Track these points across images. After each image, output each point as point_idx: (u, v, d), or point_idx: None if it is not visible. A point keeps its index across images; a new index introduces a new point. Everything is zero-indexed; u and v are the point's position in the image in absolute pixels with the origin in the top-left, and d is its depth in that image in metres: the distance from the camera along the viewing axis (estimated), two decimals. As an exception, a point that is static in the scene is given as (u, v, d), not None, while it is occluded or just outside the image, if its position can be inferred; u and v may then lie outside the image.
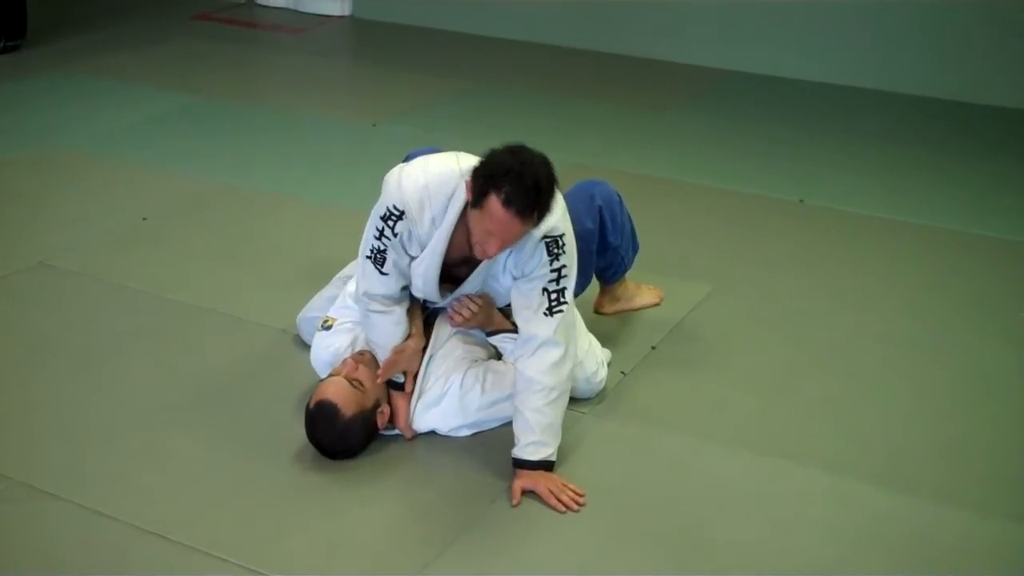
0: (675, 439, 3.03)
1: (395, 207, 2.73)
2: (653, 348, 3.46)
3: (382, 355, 2.94)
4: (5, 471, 2.81)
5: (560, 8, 6.77)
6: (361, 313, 2.97)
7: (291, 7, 7.54)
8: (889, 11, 6.02)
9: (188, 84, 5.97)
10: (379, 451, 2.92)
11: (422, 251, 2.78)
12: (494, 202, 2.54)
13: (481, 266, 2.81)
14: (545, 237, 2.73)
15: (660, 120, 5.61)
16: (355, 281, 3.00)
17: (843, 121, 5.66)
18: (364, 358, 2.94)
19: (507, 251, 2.75)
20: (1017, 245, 4.27)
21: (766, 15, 6.30)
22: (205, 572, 2.50)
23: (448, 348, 3.00)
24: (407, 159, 2.98)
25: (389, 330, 2.93)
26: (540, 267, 2.76)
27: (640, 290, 3.56)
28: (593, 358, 3.10)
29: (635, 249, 3.42)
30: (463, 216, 2.71)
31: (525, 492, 2.75)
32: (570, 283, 2.81)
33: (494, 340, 3.01)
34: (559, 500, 2.72)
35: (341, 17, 7.42)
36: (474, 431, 2.98)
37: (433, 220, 2.73)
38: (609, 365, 3.21)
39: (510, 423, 2.85)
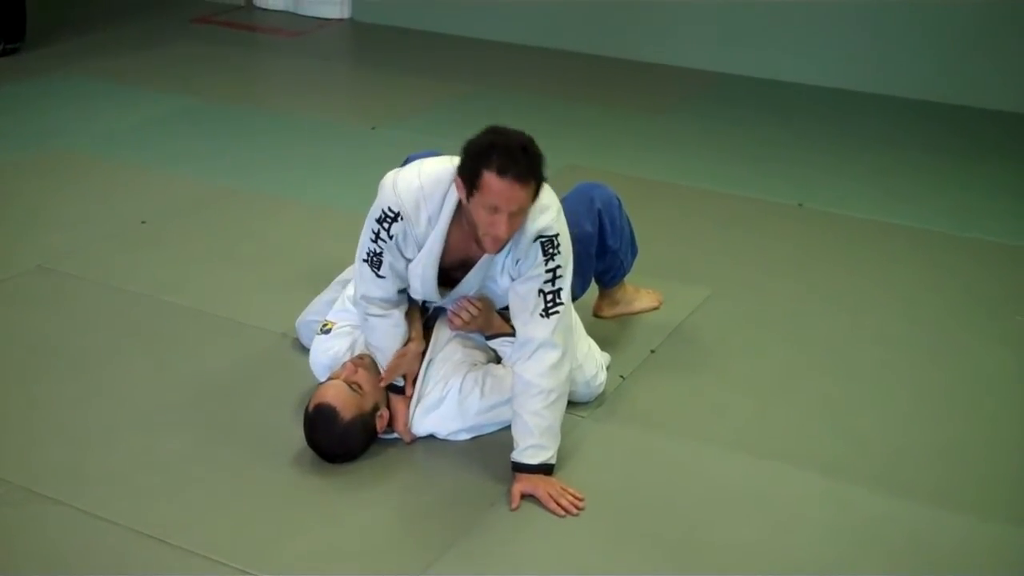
0: (674, 442, 3.04)
1: (390, 209, 2.74)
2: (652, 352, 3.47)
3: (381, 359, 2.95)
4: (4, 474, 2.81)
5: (558, 12, 6.77)
6: (360, 317, 2.97)
7: (290, 10, 7.55)
8: (886, 14, 6.03)
9: (188, 87, 5.97)
10: (378, 455, 2.92)
11: (419, 252, 2.79)
12: (489, 177, 2.56)
13: (479, 265, 2.81)
14: (540, 237, 2.74)
15: (658, 123, 5.62)
16: (353, 285, 3.01)
17: (840, 124, 5.67)
18: (363, 362, 2.94)
19: (506, 250, 2.76)
20: (1014, 248, 4.28)
21: (763, 18, 6.31)
22: (204, 575, 2.50)
23: (447, 352, 3.00)
24: (405, 162, 2.99)
25: (388, 333, 2.93)
26: (535, 267, 2.76)
27: (639, 294, 3.56)
28: (592, 362, 3.11)
29: (634, 253, 3.42)
30: (458, 216, 2.72)
31: (524, 496, 2.75)
32: (566, 283, 2.81)
33: (493, 344, 3.02)
34: (558, 504, 2.72)
35: (340, 20, 7.42)
36: (473, 435, 2.98)
37: (429, 220, 2.74)
38: (608, 369, 3.21)
39: (509, 427, 2.85)
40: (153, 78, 6.10)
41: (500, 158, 2.55)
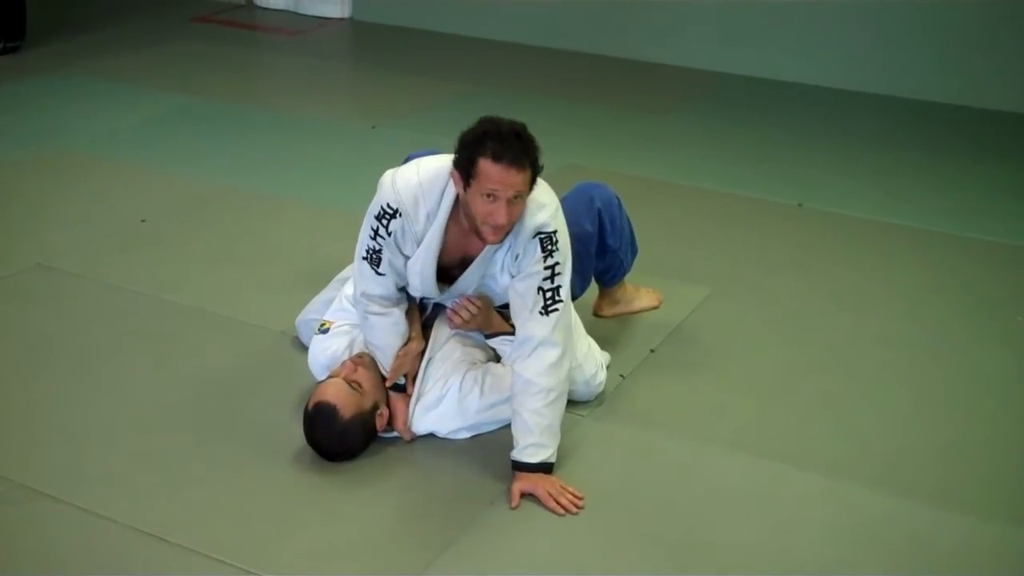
0: (674, 442, 3.04)
1: (389, 206, 2.75)
2: (652, 351, 3.47)
3: (381, 357, 2.95)
4: (5, 473, 2.81)
5: (559, 11, 6.78)
6: (360, 315, 2.97)
7: (291, 9, 7.55)
8: (887, 14, 6.03)
9: (188, 86, 5.97)
10: (378, 453, 2.92)
11: (418, 248, 2.79)
12: (484, 163, 2.58)
13: (478, 260, 2.81)
14: (539, 233, 2.74)
15: (658, 123, 5.62)
16: (352, 283, 3.01)
17: (841, 124, 5.67)
18: (363, 360, 2.94)
19: (505, 247, 2.76)
20: (1015, 249, 4.28)
21: (764, 18, 6.31)
22: (204, 574, 2.50)
23: (447, 350, 3.00)
24: (406, 161, 2.99)
25: (388, 332, 2.93)
26: (534, 263, 2.76)
27: (639, 293, 3.56)
28: (592, 361, 3.11)
29: (634, 252, 3.42)
30: (456, 213, 2.73)
31: (524, 494, 2.75)
32: (565, 281, 2.81)
33: (493, 342, 3.02)
34: (558, 502, 2.72)
35: (341, 19, 7.42)
36: (473, 433, 2.98)
37: (428, 216, 2.75)
38: (608, 368, 3.21)
39: (509, 426, 2.85)
40: (153, 77, 6.10)
41: (494, 144, 2.57)
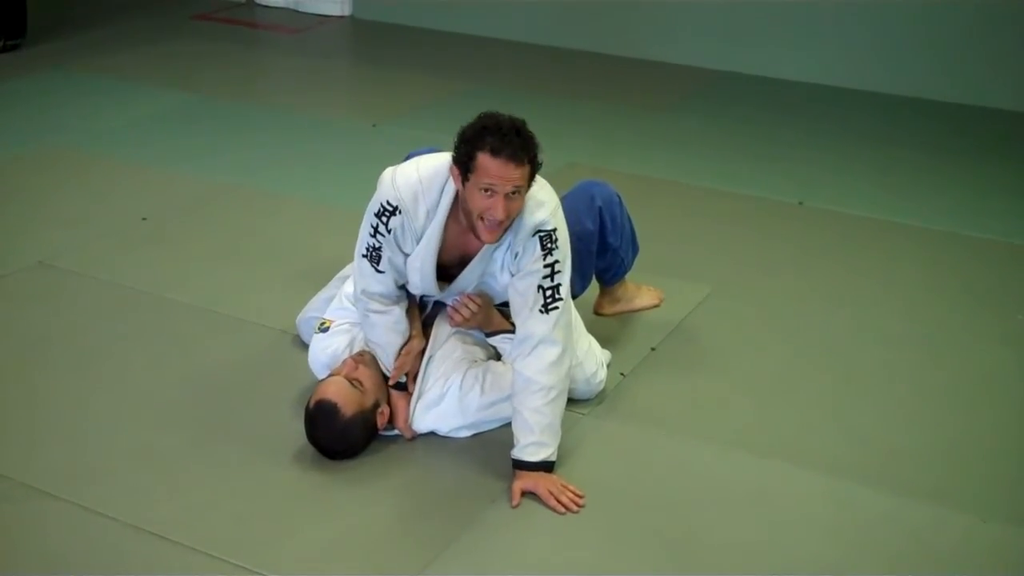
0: (674, 440, 3.04)
1: (389, 203, 2.75)
2: (653, 349, 3.47)
3: (382, 355, 2.95)
4: (5, 471, 2.81)
5: (560, 9, 6.77)
6: (360, 313, 2.98)
7: (291, 7, 7.54)
8: (888, 13, 6.03)
9: (188, 83, 5.97)
10: (379, 451, 2.92)
11: (417, 244, 2.80)
12: (483, 158, 2.58)
13: (478, 257, 2.82)
14: (538, 231, 2.74)
15: (658, 121, 5.62)
16: (352, 282, 3.01)
17: (841, 123, 5.67)
18: (364, 358, 2.94)
19: (505, 245, 2.77)
20: (1015, 247, 4.28)
21: (764, 17, 6.30)
22: (204, 572, 2.50)
23: (447, 349, 3.00)
24: (406, 159, 3.00)
25: (389, 329, 2.93)
26: (534, 261, 2.77)
27: (640, 291, 3.55)
28: (593, 359, 3.11)
29: (635, 250, 3.42)
30: (455, 210, 2.74)
31: (525, 493, 2.75)
32: (564, 279, 2.81)
33: (493, 341, 3.02)
34: (559, 501, 2.72)
35: (341, 17, 7.42)
36: (474, 432, 2.98)
37: (427, 213, 2.75)
38: (609, 366, 3.21)
39: (510, 424, 2.85)
40: (154, 75, 6.10)
41: (493, 139, 2.57)
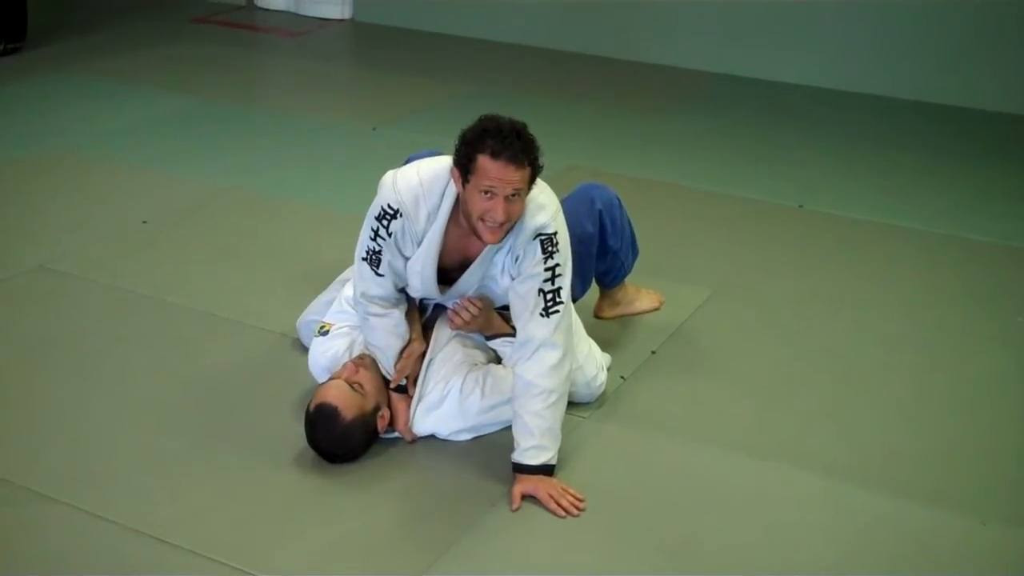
0: (675, 443, 3.04)
1: (389, 206, 2.76)
2: (653, 352, 3.47)
3: (381, 358, 2.95)
4: (6, 475, 2.81)
5: (559, 12, 6.77)
6: (360, 316, 2.98)
7: (291, 10, 7.54)
8: (888, 16, 6.03)
9: (188, 87, 5.97)
10: (379, 455, 2.92)
11: (418, 248, 2.80)
12: (483, 160, 2.59)
13: (478, 260, 2.82)
14: (539, 234, 2.74)
15: (658, 124, 5.62)
16: (352, 285, 3.01)
17: (841, 126, 5.67)
18: (364, 362, 2.94)
19: (506, 248, 2.77)
20: (1015, 250, 4.28)
21: (765, 19, 6.30)
22: (204, 575, 2.50)
23: (448, 352, 3.00)
24: (406, 163, 3.00)
25: (388, 332, 2.93)
26: (535, 265, 2.77)
27: (640, 294, 3.56)
28: (593, 362, 3.11)
29: (635, 253, 3.42)
30: (456, 214, 2.74)
31: (525, 497, 2.75)
32: (565, 282, 2.81)
33: (494, 344, 3.02)
34: (558, 505, 2.72)
35: (341, 21, 7.42)
36: (474, 435, 2.98)
37: (429, 216, 2.76)
38: (609, 369, 3.21)
39: (510, 427, 2.85)
40: (153, 78, 6.10)
41: (493, 141, 2.58)
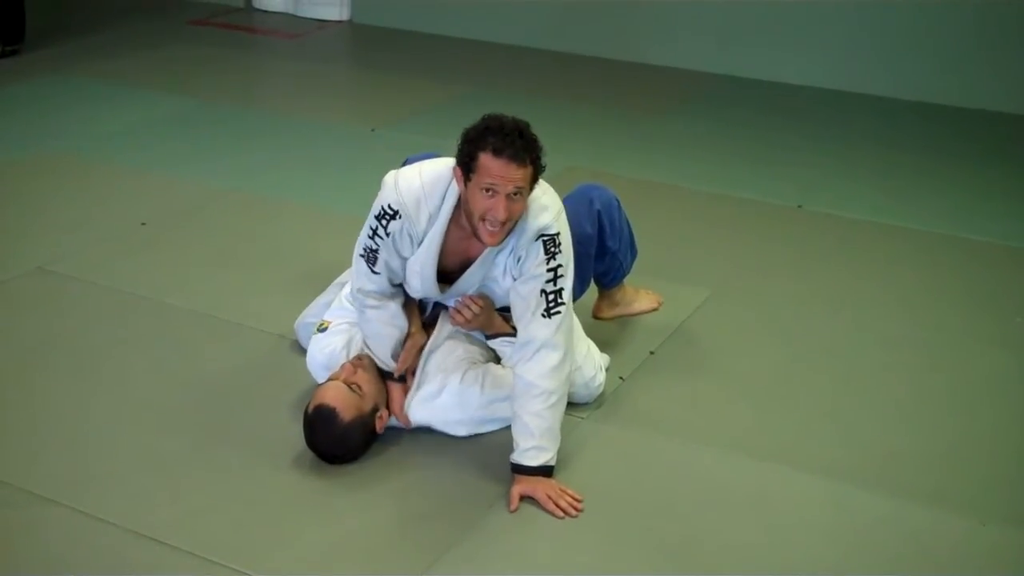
0: (674, 444, 3.04)
1: (390, 207, 2.76)
2: (651, 353, 3.47)
3: (378, 348, 2.95)
4: (5, 477, 2.81)
5: (558, 14, 6.77)
6: (357, 311, 2.98)
7: (289, 12, 7.55)
8: (887, 16, 6.03)
9: (186, 88, 5.97)
10: (377, 456, 2.92)
11: (417, 249, 2.80)
12: (485, 158, 2.59)
13: (480, 260, 2.82)
14: (542, 235, 2.75)
15: (657, 125, 5.62)
16: (349, 281, 3.01)
17: (841, 126, 5.67)
18: (362, 363, 2.94)
19: (508, 249, 2.77)
20: (1015, 250, 4.28)
21: (764, 20, 6.30)
22: (204, 577, 2.51)
23: (448, 347, 3.00)
24: (404, 164, 3.00)
25: (385, 323, 2.94)
26: (537, 266, 2.77)
27: (638, 295, 3.56)
28: (591, 363, 3.11)
29: (634, 254, 3.42)
30: (457, 215, 2.74)
31: (523, 497, 2.75)
32: (567, 283, 2.81)
33: (494, 344, 3.02)
34: (557, 505, 2.72)
35: (339, 22, 7.42)
36: (471, 431, 2.98)
37: (430, 217, 2.76)
38: (607, 370, 3.21)
39: (508, 427, 2.85)
40: (152, 80, 6.10)
41: (495, 139, 2.59)
